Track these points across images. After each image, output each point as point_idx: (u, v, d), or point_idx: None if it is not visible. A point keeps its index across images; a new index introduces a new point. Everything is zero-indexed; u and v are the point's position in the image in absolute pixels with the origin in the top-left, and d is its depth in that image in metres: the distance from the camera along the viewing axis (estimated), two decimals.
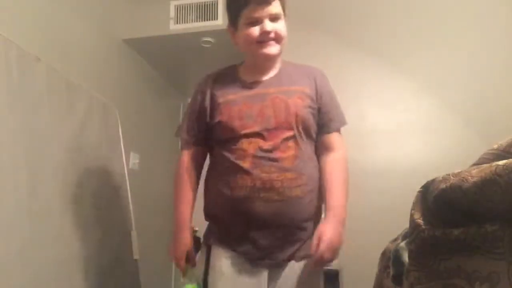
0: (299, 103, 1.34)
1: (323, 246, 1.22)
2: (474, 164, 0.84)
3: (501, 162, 0.70)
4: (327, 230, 1.24)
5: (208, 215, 1.41)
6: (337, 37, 2.46)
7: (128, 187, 2.58)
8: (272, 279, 1.33)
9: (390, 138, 2.26)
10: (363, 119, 2.31)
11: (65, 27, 2.24)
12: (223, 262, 1.30)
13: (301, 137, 1.33)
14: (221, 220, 1.36)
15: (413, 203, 0.89)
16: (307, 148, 1.35)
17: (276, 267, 1.33)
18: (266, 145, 1.28)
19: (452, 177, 0.78)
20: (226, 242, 1.33)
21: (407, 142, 2.28)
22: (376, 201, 2.19)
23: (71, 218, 1.99)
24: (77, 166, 2.10)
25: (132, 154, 2.84)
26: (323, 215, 1.38)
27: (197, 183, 1.47)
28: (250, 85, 1.38)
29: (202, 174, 1.50)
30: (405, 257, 0.98)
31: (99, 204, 2.24)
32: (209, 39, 2.80)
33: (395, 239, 1.29)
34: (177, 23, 2.77)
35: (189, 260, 1.37)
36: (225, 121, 1.33)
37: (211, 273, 1.31)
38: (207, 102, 1.40)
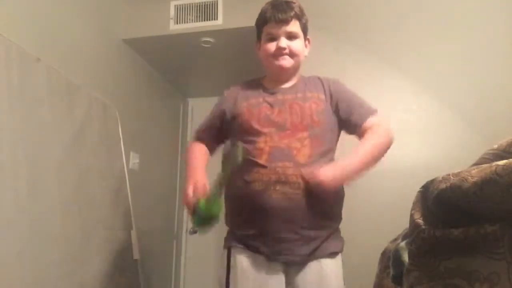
0: (314, 107, 1.42)
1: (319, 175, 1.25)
2: (474, 164, 0.84)
3: (501, 162, 0.69)
4: (326, 168, 1.27)
5: (226, 215, 1.46)
6: (336, 37, 2.46)
7: (128, 187, 2.58)
8: (290, 276, 1.36)
9: None
10: None
11: (65, 27, 2.23)
12: (243, 260, 1.37)
13: (316, 137, 1.39)
14: (239, 215, 1.40)
15: (413, 203, 0.90)
16: (325, 147, 1.41)
17: (294, 265, 1.36)
18: (281, 143, 1.36)
19: (452, 177, 0.78)
20: (244, 241, 1.38)
21: (407, 142, 2.27)
22: (376, 201, 2.19)
23: (71, 218, 1.99)
24: (77, 166, 2.11)
25: (132, 154, 2.84)
26: None
27: (207, 154, 1.55)
28: (271, 92, 1.49)
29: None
30: (405, 257, 0.98)
31: (99, 204, 2.24)
32: (209, 39, 2.79)
33: (395, 239, 1.29)
34: (177, 23, 2.76)
35: (200, 193, 1.31)
36: (246, 120, 1.42)
37: (232, 272, 1.38)
38: (230, 105, 1.50)
